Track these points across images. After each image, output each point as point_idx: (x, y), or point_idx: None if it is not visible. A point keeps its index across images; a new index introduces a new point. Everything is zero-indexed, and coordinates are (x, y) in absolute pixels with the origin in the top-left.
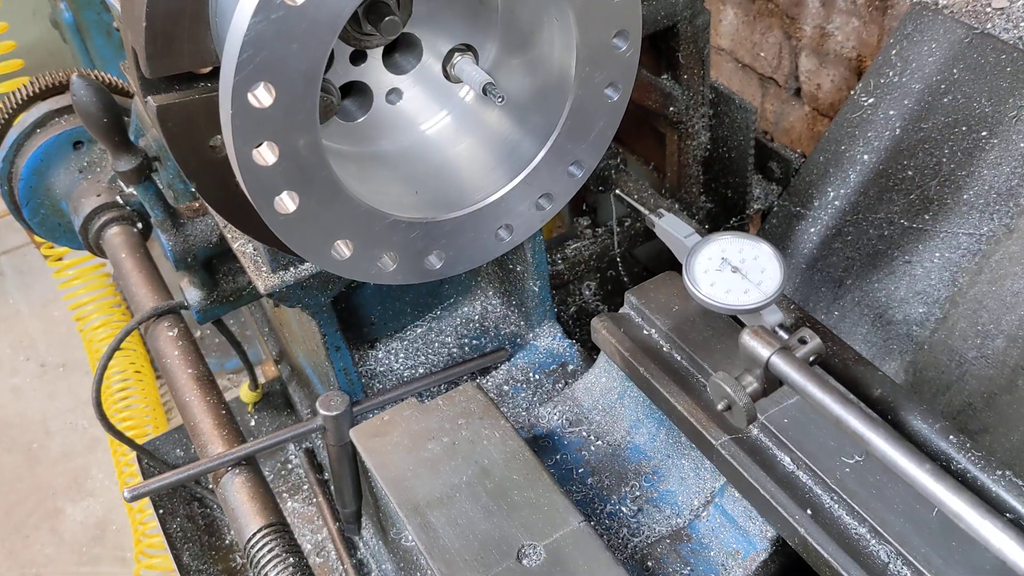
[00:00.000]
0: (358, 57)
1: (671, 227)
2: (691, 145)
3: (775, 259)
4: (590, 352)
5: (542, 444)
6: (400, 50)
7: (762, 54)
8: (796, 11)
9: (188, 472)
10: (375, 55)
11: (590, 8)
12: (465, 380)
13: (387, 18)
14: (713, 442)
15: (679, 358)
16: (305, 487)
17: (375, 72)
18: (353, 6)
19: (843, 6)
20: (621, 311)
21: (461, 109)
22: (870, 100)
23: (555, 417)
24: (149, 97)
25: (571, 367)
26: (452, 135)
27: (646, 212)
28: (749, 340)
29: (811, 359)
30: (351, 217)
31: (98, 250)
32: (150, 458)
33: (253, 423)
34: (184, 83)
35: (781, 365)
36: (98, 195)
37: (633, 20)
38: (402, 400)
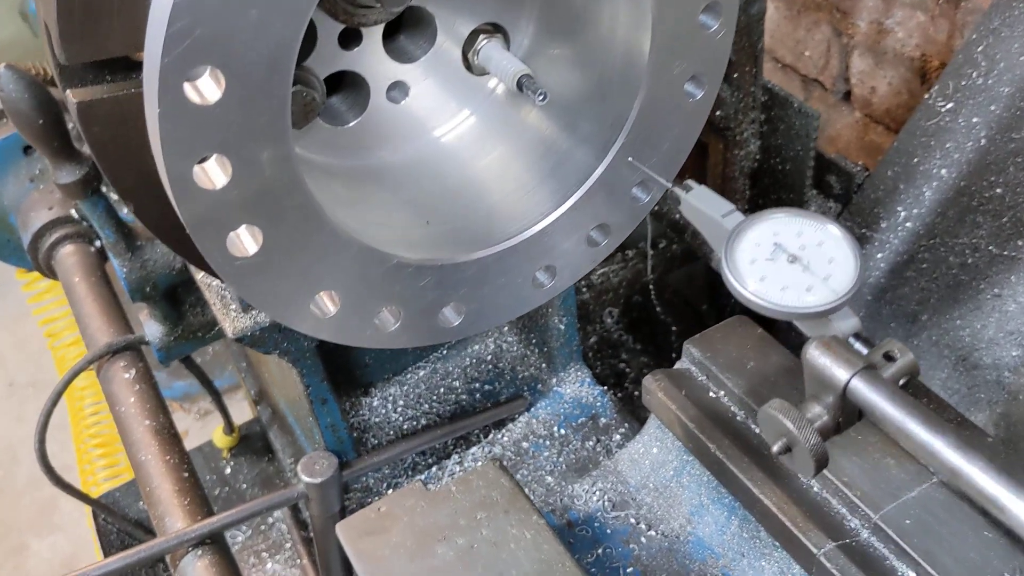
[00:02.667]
0: (350, 38)
1: (703, 203)
2: (738, 155)
3: (847, 244)
4: (611, 386)
5: (579, 533)
6: (407, 30)
7: (807, 53)
8: (849, 4)
9: (139, 555)
10: (373, 36)
11: None
12: (477, 434)
13: None
14: (813, 551)
15: (757, 430)
16: (288, 545)
17: (373, 59)
18: None
19: None
20: (679, 366)
21: (487, 110)
22: (949, 105)
23: (594, 497)
24: (68, 91)
25: (603, 420)
26: (475, 144)
27: (669, 185)
28: (819, 356)
29: (901, 381)
30: (338, 260)
31: (49, 271)
32: (107, 514)
33: (229, 471)
34: (117, 72)
35: (866, 391)
36: (50, 208)
37: None
38: (402, 459)
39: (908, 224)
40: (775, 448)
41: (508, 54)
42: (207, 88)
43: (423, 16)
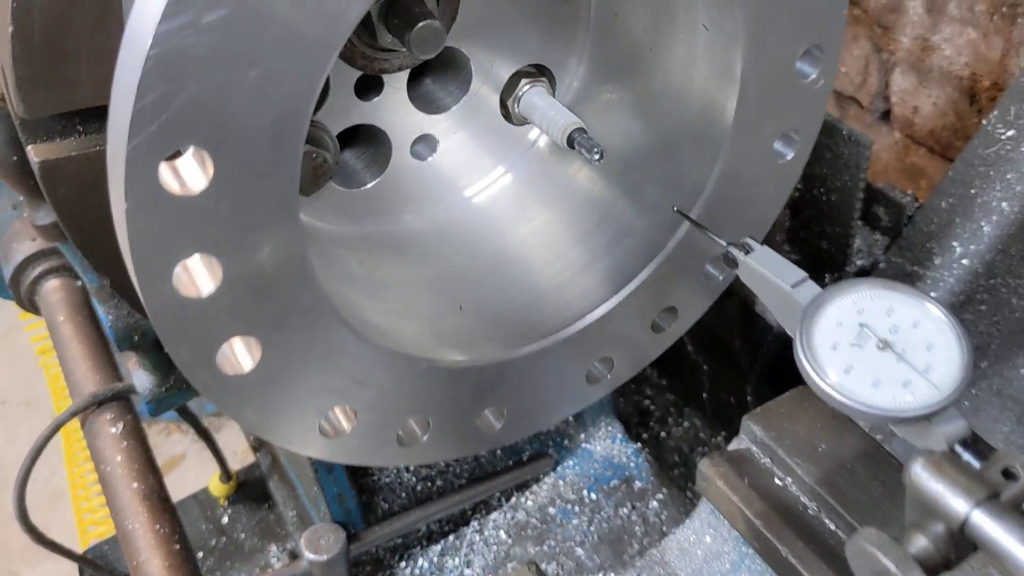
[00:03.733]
0: (370, 87)
1: (768, 267)
2: None
3: (949, 327)
4: (634, 425)
5: None
6: (436, 75)
7: (843, 69)
8: (891, 19)
9: None
10: (396, 84)
11: (772, 7)
12: (498, 497)
13: (421, 24)
14: None
15: (833, 527)
16: None
17: (396, 110)
18: (365, 4)
19: (956, 14)
20: (737, 445)
21: (528, 167)
22: (1010, 132)
23: None
24: (30, 147)
25: (638, 484)
26: (514, 208)
27: (724, 244)
28: (928, 481)
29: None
30: (355, 369)
31: (32, 307)
32: (94, 570)
33: (226, 520)
34: (89, 122)
35: (991, 529)
36: (34, 239)
37: (833, 28)
38: (416, 530)
39: (964, 261)
40: None
41: (555, 103)
42: (190, 173)
43: (456, 59)
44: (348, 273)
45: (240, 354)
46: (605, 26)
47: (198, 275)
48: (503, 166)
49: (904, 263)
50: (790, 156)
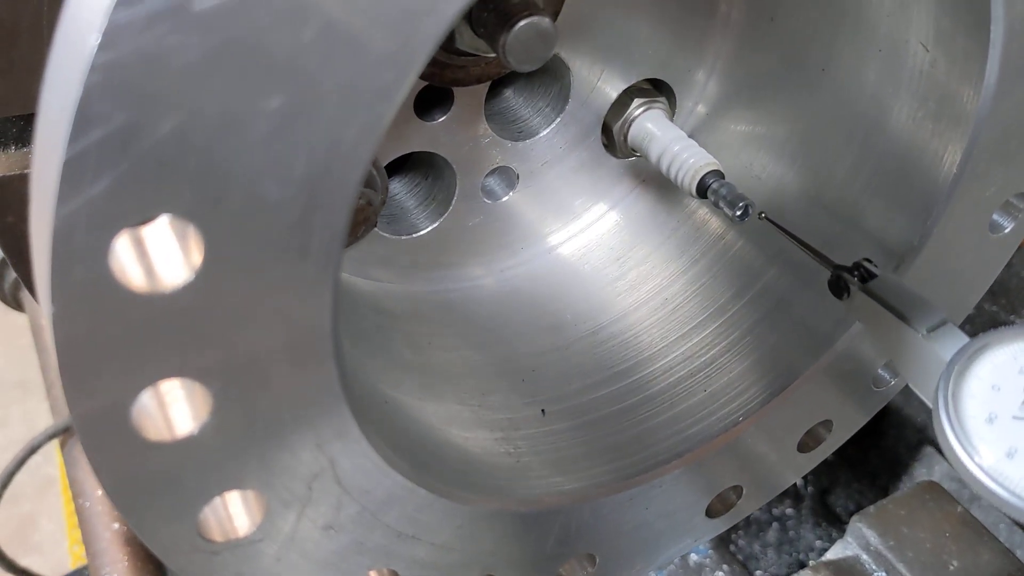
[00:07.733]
0: (435, 102)
1: (893, 303)
2: None
3: None
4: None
5: None
6: (521, 88)
7: None
8: None
9: None
10: (470, 100)
11: None
12: None
13: (525, 21)
14: None
15: None
16: None
17: (466, 133)
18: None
19: None
20: (842, 551)
21: (635, 209)
22: None
23: None
24: None
25: (694, 558)
26: (615, 267)
27: (831, 265)
28: None
29: None
30: (402, 522)
31: (15, 303)
32: None
33: None
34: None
35: None
36: None
37: None
38: None
39: None
40: None
41: (679, 132)
42: (165, 254)
43: (552, 69)
44: (392, 356)
45: (234, 511)
46: (754, 31)
47: (171, 407)
48: (604, 203)
49: (998, 311)
50: (1008, 229)
